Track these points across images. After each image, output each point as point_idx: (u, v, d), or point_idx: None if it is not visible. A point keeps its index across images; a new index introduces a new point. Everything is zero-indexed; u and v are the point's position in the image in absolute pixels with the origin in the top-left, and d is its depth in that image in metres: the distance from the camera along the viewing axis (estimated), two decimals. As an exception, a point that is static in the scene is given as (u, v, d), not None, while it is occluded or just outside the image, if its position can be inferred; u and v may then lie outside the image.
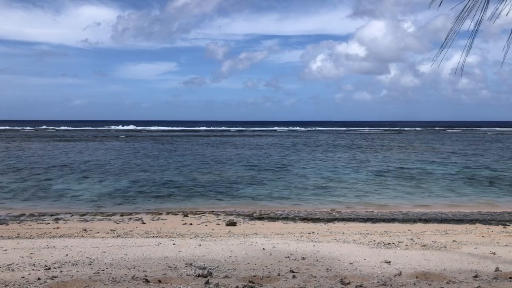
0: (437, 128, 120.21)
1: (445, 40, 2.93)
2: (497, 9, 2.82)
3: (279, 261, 6.35)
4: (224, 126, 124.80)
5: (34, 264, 5.86)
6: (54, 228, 11.70)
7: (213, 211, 15.07)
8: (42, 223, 12.83)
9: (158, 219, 13.62)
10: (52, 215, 14.16)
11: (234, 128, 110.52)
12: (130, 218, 13.74)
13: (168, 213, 14.65)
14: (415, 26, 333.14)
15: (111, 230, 11.28)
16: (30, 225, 12.45)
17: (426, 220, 13.54)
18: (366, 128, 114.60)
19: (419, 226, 12.55)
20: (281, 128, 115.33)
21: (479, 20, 2.83)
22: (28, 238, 9.44)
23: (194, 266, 5.86)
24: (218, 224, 12.85)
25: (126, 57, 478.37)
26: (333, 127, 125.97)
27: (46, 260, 6.15)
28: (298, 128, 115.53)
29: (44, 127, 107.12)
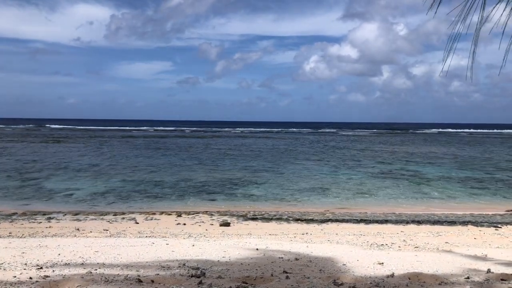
0: (435, 130, 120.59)
1: (447, 46, 2.96)
2: (489, 14, 2.85)
3: (272, 262, 6.36)
4: (219, 126, 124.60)
5: (26, 264, 5.82)
6: (46, 228, 11.62)
7: (207, 211, 15.04)
8: (34, 222, 12.74)
9: (151, 219, 13.58)
10: (44, 214, 14.07)
11: (228, 129, 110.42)
12: (124, 218, 13.68)
13: (161, 213, 14.61)
14: (407, 29, 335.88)
15: (104, 230, 11.23)
16: (22, 224, 12.36)
17: (419, 221, 13.61)
18: (358, 130, 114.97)
19: (412, 228, 12.61)
20: (275, 129, 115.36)
21: (477, 26, 2.86)
22: (20, 237, 9.38)
23: (188, 266, 5.85)
24: (212, 225, 12.83)
25: (121, 56, 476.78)
26: (326, 128, 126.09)
27: (38, 260, 6.11)
28: (291, 129, 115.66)
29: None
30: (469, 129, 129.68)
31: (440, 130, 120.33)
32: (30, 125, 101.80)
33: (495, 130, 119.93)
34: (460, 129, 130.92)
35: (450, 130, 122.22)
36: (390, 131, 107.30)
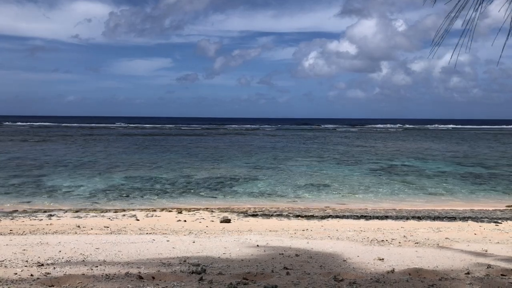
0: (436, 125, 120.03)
1: (435, 37, 2.96)
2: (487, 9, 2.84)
3: (273, 258, 6.36)
4: (218, 123, 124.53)
5: (27, 261, 5.83)
6: (47, 225, 11.63)
7: (208, 208, 15.06)
8: (35, 219, 12.75)
9: (152, 216, 13.59)
10: (45, 211, 14.09)
11: (228, 125, 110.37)
12: (124, 215, 13.69)
13: (162, 210, 14.63)
14: (405, 25, 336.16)
15: (104, 227, 11.24)
16: (23, 221, 12.37)
17: (419, 217, 13.62)
18: (358, 126, 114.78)
19: (412, 224, 12.62)
20: (274, 126, 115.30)
21: (473, 17, 2.85)
22: (21, 235, 9.38)
23: (188, 263, 5.86)
24: (213, 221, 12.84)
25: (120, 53, 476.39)
26: (326, 124, 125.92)
27: (39, 257, 6.11)
28: (291, 126, 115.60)
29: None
30: (469, 125, 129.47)
31: (454, 126, 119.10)
32: (17, 123, 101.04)
33: (496, 126, 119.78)
34: (460, 124, 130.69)
35: (452, 126, 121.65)
36: (390, 127, 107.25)
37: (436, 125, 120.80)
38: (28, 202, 15.96)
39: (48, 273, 5.09)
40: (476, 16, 2.83)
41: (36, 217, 13.15)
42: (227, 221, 12.72)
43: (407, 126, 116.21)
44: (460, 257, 6.71)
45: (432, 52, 3.04)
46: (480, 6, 2.77)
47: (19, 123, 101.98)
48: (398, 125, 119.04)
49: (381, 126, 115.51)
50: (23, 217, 13.14)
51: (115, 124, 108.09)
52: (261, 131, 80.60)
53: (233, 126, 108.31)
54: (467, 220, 13.22)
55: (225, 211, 14.48)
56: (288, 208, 15.25)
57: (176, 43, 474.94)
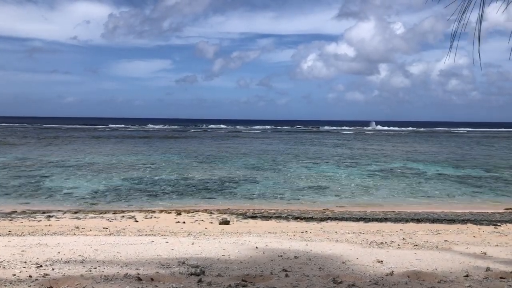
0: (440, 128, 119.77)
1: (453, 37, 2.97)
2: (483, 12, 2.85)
3: (272, 260, 6.36)
4: (217, 125, 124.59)
5: (25, 262, 5.81)
6: (46, 226, 11.62)
7: (207, 210, 15.05)
8: (34, 220, 12.74)
9: (151, 217, 13.58)
10: (44, 212, 14.07)
11: (227, 127, 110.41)
12: (123, 216, 13.68)
13: (161, 211, 14.61)
14: (403, 28, 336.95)
15: (103, 228, 11.23)
16: (22, 222, 12.35)
17: (418, 220, 13.61)
18: (357, 128, 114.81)
19: (411, 226, 12.62)
20: (273, 127, 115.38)
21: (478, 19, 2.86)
22: (20, 236, 9.37)
23: (187, 265, 5.85)
24: (211, 223, 12.83)
25: (120, 54, 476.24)
26: (326, 126, 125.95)
27: (37, 258, 6.10)
28: (290, 128, 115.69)
29: None
30: (467, 127, 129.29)
31: (470, 129, 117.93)
32: (15, 124, 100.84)
33: (495, 129, 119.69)
34: (458, 127, 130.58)
35: (468, 129, 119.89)
36: (389, 130, 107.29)
37: (447, 128, 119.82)
38: (27, 203, 15.94)
39: (46, 274, 5.08)
40: (477, 19, 2.84)
41: (35, 218, 13.14)
42: (226, 222, 12.71)
43: (407, 128, 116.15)
44: (459, 259, 6.71)
45: (450, 51, 3.03)
46: (480, 9, 2.79)
47: (17, 124, 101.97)
48: (409, 128, 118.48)
49: (380, 128, 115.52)
50: (22, 218, 13.12)
51: (109, 125, 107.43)
52: (260, 133, 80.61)
53: (232, 127, 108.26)
54: (466, 223, 13.22)
55: (224, 213, 14.47)
56: (287, 210, 15.24)
57: (175, 44, 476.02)
